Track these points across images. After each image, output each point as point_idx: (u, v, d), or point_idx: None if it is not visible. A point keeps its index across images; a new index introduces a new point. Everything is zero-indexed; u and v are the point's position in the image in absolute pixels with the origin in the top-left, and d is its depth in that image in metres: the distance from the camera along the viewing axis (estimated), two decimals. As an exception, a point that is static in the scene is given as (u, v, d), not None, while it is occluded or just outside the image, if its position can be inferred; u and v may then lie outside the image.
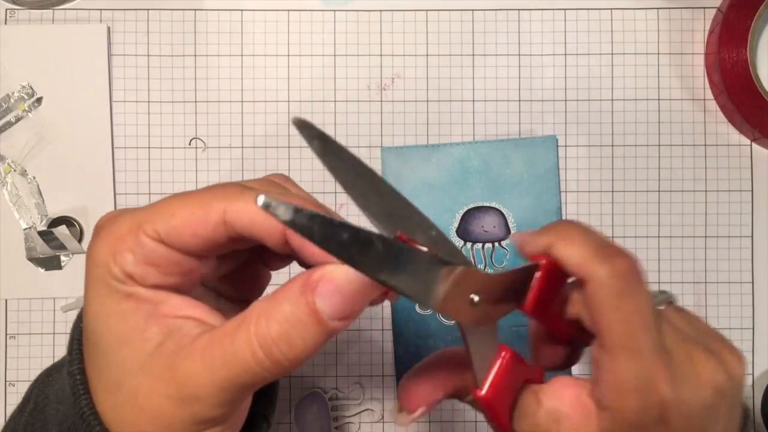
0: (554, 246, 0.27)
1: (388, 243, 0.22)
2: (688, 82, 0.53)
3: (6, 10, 0.53)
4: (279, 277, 0.32)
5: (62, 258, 0.52)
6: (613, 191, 0.53)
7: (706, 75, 0.53)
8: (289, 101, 0.53)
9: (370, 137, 0.53)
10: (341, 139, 0.53)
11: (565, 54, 0.53)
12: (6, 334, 0.52)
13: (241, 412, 0.28)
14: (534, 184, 0.52)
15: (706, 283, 0.52)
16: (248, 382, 0.25)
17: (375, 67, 0.53)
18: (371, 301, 0.25)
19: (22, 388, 0.52)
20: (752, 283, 0.53)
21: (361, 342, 0.53)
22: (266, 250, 0.28)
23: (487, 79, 0.53)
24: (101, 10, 0.53)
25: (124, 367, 0.26)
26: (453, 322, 0.52)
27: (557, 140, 0.53)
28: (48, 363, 0.52)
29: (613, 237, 0.53)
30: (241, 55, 0.53)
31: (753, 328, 0.53)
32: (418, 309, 0.52)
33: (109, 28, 0.53)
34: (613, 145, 0.53)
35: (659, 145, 0.53)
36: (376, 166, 0.53)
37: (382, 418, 0.52)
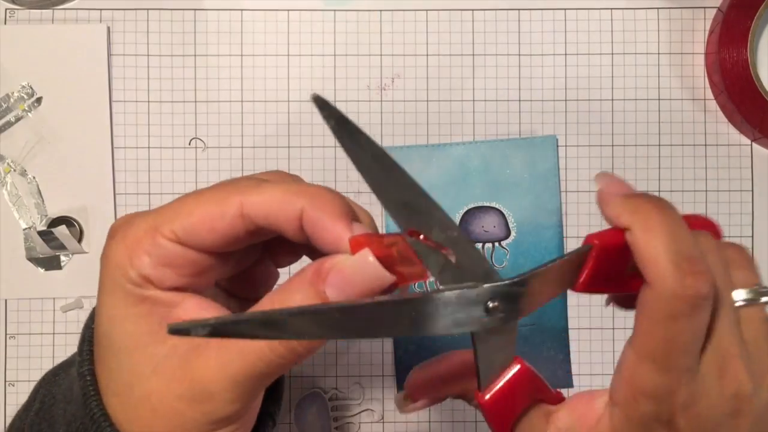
0: (632, 231, 0.25)
1: (416, 306, 0.22)
2: (688, 82, 0.53)
3: (6, 10, 0.53)
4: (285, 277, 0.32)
5: (62, 258, 0.52)
6: (613, 191, 0.53)
7: (706, 75, 0.53)
8: (289, 101, 0.53)
9: (370, 137, 0.53)
10: (341, 139, 0.53)
11: (565, 54, 0.53)
12: (6, 334, 0.52)
13: (253, 411, 0.28)
14: (534, 184, 0.52)
15: (706, 283, 0.52)
16: (264, 371, 0.25)
17: (375, 67, 0.53)
18: (382, 291, 0.25)
19: (22, 388, 0.52)
20: (752, 283, 0.53)
21: (361, 342, 0.53)
22: (276, 247, 0.28)
23: (487, 79, 0.53)
24: (101, 10, 0.53)
25: (137, 370, 0.26)
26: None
27: (557, 140, 0.53)
28: (48, 363, 0.52)
29: (613, 237, 0.53)
30: (241, 55, 0.53)
31: (753, 328, 0.53)
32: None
33: (109, 28, 0.53)
34: (613, 145, 0.53)
35: (659, 145, 0.53)
36: (376, 166, 0.53)
37: (382, 418, 0.52)
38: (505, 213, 0.52)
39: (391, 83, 0.53)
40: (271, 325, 0.21)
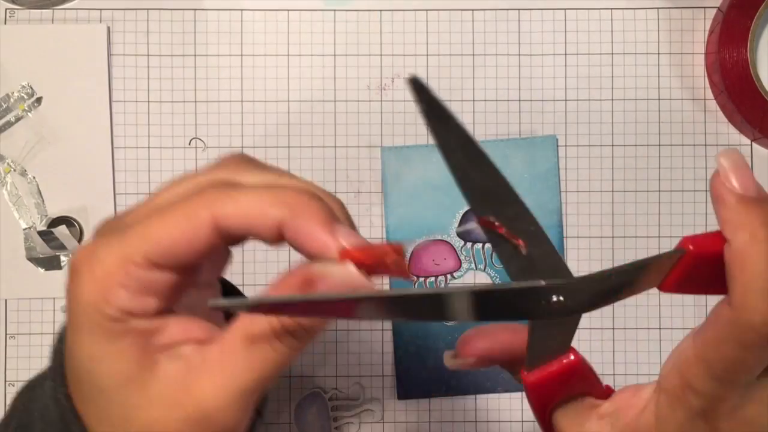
0: (731, 247, 0.23)
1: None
2: (688, 82, 0.53)
3: (6, 10, 0.53)
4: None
5: (62, 258, 0.52)
6: (613, 191, 0.53)
7: (706, 75, 0.53)
8: (289, 101, 0.53)
9: (370, 137, 0.53)
10: (341, 139, 0.53)
11: (565, 54, 0.53)
12: (6, 334, 0.52)
13: (250, 418, 0.28)
14: (534, 184, 0.52)
15: (706, 283, 0.52)
16: (269, 374, 0.25)
17: (375, 67, 0.53)
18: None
19: (22, 388, 0.52)
20: (752, 283, 0.53)
21: (361, 342, 0.53)
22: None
23: (487, 79, 0.53)
24: (101, 10, 0.53)
25: (131, 402, 0.25)
26: (454, 322, 0.52)
27: (557, 140, 0.53)
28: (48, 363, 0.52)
29: (613, 237, 0.53)
30: (241, 55, 0.53)
31: (753, 328, 0.53)
32: (418, 309, 0.52)
33: (109, 28, 0.53)
34: (613, 145, 0.53)
35: (659, 145, 0.53)
36: (376, 166, 0.53)
37: (382, 418, 0.52)
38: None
39: (391, 83, 0.53)
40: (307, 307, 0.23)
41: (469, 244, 0.52)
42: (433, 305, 0.23)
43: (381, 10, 0.53)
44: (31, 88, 0.52)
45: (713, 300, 0.25)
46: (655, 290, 0.26)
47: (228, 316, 0.31)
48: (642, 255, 0.53)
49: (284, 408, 0.52)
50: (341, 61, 0.53)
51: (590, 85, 0.53)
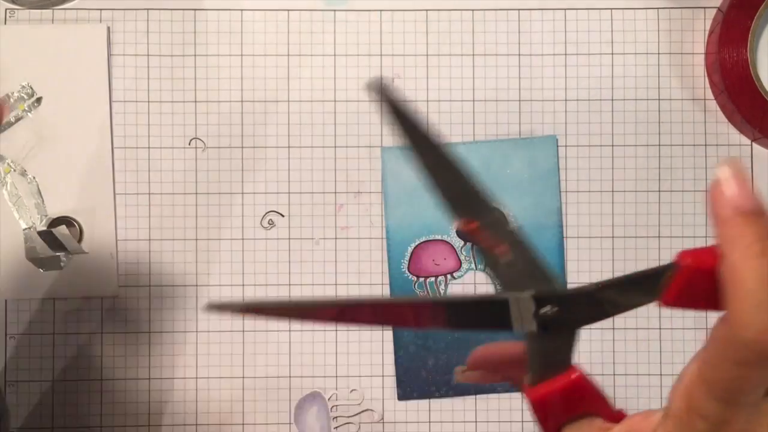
0: (726, 262, 0.22)
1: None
2: (688, 82, 0.53)
3: (6, 10, 0.53)
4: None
5: (62, 258, 0.52)
6: (613, 191, 0.53)
7: (706, 75, 0.53)
8: (289, 101, 0.53)
9: (370, 137, 0.53)
10: (341, 139, 0.53)
11: (565, 54, 0.53)
12: (6, 334, 0.52)
13: None
14: (534, 184, 0.52)
15: (706, 283, 0.52)
16: None
17: (375, 67, 0.53)
18: None
19: (23, 389, 0.52)
20: (752, 283, 0.53)
21: (361, 342, 0.53)
22: None
23: (487, 79, 0.53)
24: (101, 10, 0.53)
25: None
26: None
27: (557, 140, 0.53)
28: (48, 363, 0.52)
29: (613, 237, 0.53)
30: (241, 55, 0.53)
31: (753, 328, 0.53)
32: (418, 309, 0.52)
33: (109, 28, 0.53)
34: (613, 145, 0.53)
35: (659, 145, 0.53)
36: (376, 166, 0.53)
37: (382, 418, 0.52)
38: (505, 213, 0.52)
39: (391, 83, 0.53)
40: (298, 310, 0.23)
41: (469, 244, 0.52)
42: (412, 315, 0.23)
43: (381, 10, 0.53)
44: (31, 88, 0.52)
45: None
46: None
47: None
48: (642, 255, 0.53)
49: (284, 408, 0.52)
50: (341, 61, 0.53)
51: (590, 85, 0.53)
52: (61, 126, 0.52)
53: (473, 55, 0.53)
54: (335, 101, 0.53)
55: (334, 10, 0.53)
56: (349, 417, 0.52)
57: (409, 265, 0.52)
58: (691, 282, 0.24)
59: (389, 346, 0.52)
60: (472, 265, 0.52)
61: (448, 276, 0.52)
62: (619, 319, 0.53)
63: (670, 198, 0.53)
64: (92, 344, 0.52)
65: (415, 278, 0.52)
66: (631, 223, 0.53)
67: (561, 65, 0.53)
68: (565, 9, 0.53)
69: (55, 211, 0.52)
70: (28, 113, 0.52)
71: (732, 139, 0.53)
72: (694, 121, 0.53)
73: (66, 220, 0.52)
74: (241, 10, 0.53)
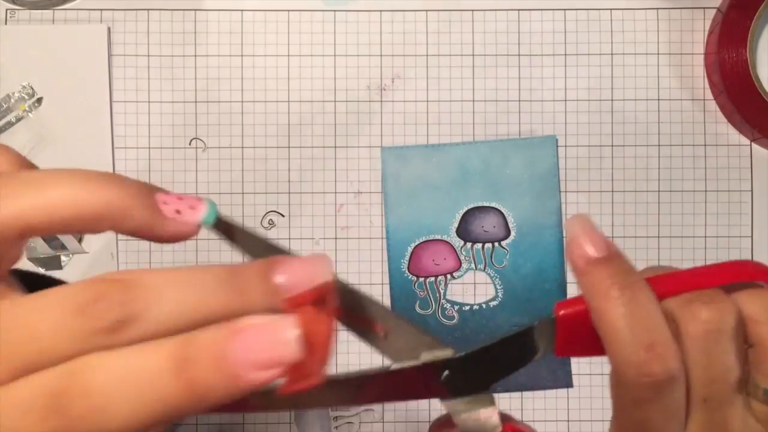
0: (592, 312, 0.23)
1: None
2: (688, 82, 0.53)
3: (6, 10, 0.53)
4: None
5: (62, 258, 0.52)
6: (613, 191, 0.53)
7: (706, 75, 0.53)
8: (289, 101, 0.53)
9: (370, 137, 0.53)
10: (341, 140, 0.53)
11: (565, 54, 0.53)
12: (6, 334, 0.52)
13: None
14: (534, 184, 0.52)
15: (705, 283, 0.52)
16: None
17: (375, 67, 0.53)
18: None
19: (22, 388, 0.52)
20: (752, 283, 0.53)
21: (361, 342, 0.53)
22: None
23: (487, 79, 0.53)
24: (101, 10, 0.53)
25: None
26: (454, 321, 0.52)
27: (557, 140, 0.53)
28: (48, 363, 0.52)
29: (613, 237, 0.53)
30: (241, 55, 0.53)
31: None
32: (417, 309, 0.52)
33: (109, 28, 0.53)
34: (613, 145, 0.53)
35: (659, 145, 0.53)
36: (376, 166, 0.53)
37: (382, 418, 0.52)
38: (504, 213, 0.52)
39: (391, 83, 0.53)
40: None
41: (468, 244, 0.52)
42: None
43: (381, 11, 0.53)
44: (32, 88, 0.52)
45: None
46: None
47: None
48: (641, 255, 0.53)
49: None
50: (341, 61, 0.53)
51: (590, 85, 0.53)
52: (62, 126, 0.52)
53: (473, 55, 0.53)
54: (335, 101, 0.53)
55: (334, 11, 0.53)
56: (349, 416, 0.52)
57: (409, 265, 0.52)
58: (572, 330, 0.25)
59: (389, 346, 0.52)
60: (472, 265, 0.52)
61: (448, 276, 0.52)
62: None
63: (670, 198, 0.53)
64: (92, 344, 0.52)
65: (414, 278, 0.52)
66: (631, 223, 0.53)
67: (561, 65, 0.53)
68: (565, 9, 0.53)
69: (55, 211, 0.52)
70: (29, 113, 0.52)
71: (731, 140, 0.53)
72: (694, 122, 0.53)
73: (66, 220, 0.52)
74: (241, 10, 0.53)
